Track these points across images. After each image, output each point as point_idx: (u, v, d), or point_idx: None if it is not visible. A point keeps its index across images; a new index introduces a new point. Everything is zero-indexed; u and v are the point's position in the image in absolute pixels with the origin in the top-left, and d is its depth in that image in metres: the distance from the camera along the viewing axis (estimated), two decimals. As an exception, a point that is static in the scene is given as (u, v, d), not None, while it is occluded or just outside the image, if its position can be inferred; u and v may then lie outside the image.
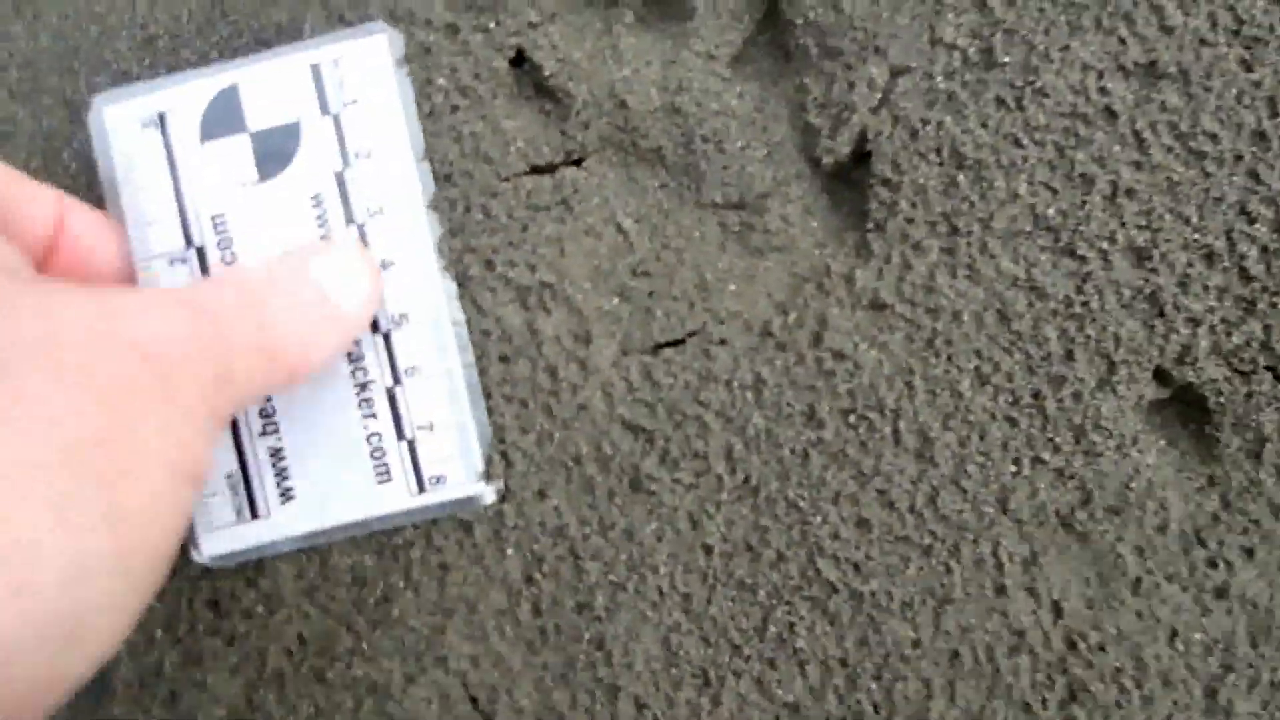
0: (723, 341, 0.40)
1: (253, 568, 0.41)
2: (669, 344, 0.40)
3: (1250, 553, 0.38)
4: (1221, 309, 0.38)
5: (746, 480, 0.39)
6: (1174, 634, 0.38)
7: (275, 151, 0.40)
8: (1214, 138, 0.37)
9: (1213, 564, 0.38)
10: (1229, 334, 0.38)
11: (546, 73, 0.40)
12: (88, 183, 0.43)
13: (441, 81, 0.40)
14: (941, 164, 0.39)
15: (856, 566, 0.39)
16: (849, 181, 0.41)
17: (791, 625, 0.39)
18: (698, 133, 0.40)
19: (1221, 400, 0.38)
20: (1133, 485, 0.38)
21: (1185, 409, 0.39)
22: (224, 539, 0.40)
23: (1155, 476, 0.38)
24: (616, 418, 0.40)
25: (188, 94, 0.40)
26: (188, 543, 0.40)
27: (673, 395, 0.40)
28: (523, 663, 0.40)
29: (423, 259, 0.40)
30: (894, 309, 0.39)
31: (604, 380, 0.40)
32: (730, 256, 0.41)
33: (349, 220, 0.40)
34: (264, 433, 0.40)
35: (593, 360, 0.40)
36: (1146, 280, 0.38)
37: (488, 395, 0.40)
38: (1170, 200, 0.38)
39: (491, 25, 0.40)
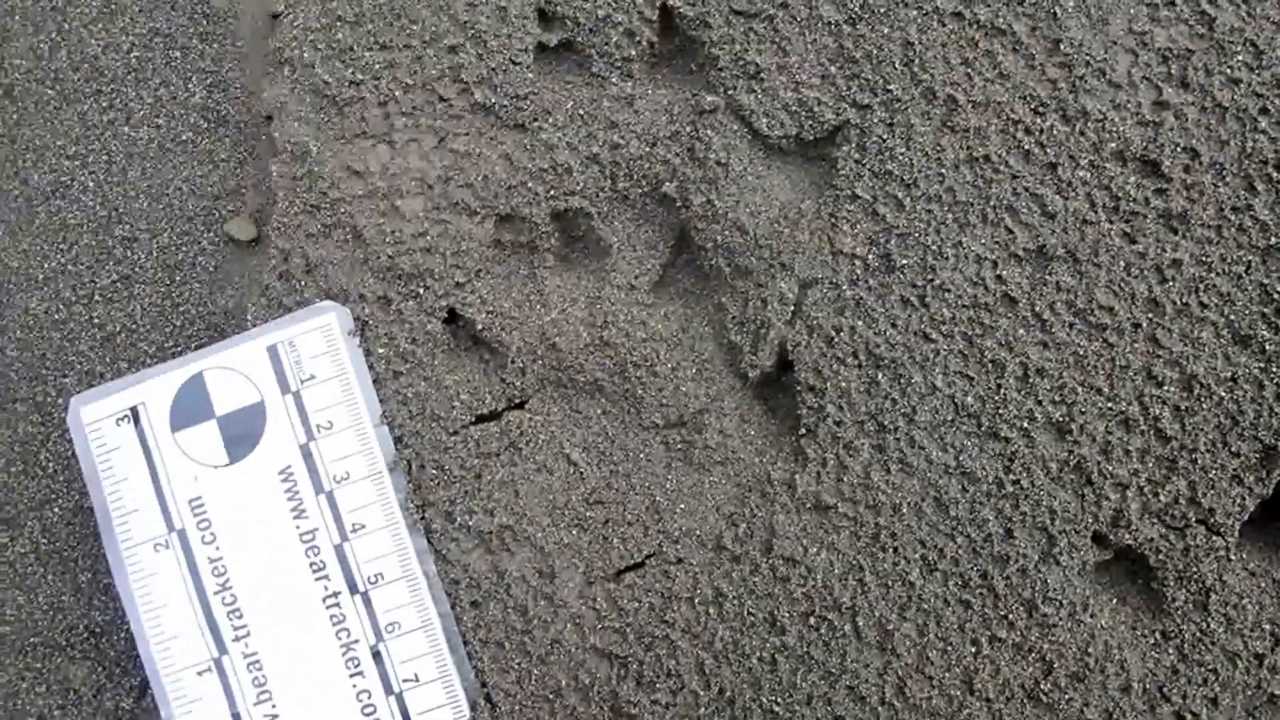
0: (679, 560, 0.41)
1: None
2: (630, 568, 0.42)
3: (1214, 702, 0.39)
4: (1145, 470, 0.39)
5: (721, 692, 0.41)
6: (1155, 789, 0.39)
7: (242, 433, 0.42)
8: (1111, 310, 0.39)
9: (1180, 718, 0.39)
10: (1156, 494, 0.39)
11: (479, 326, 0.43)
12: (66, 481, 0.46)
13: (381, 350, 0.43)
14: (860, 366, 0.41)
15: (839, 762, 0.40)
16: (779, 387, 0.43)
17: (785, 828, 0.40)
18: (629, 360, 0.43)
19: (1161, 557, 0.39)
20: (1090, 650, 0.39)
21: (1130, 567, 0.40)
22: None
23: (1111, 638, 0.39)
24: (589, 648, 0.41)
25: (156, 386, 0.43)
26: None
27: (639, 619, 0.41)
28: None
29: (390, 519, 0.42)
30: (836, 509, 0.41)
31: (573, 613, 0.41)
32: (677, 475, 0.42)
33: (318, 491, 0.42)
34: (259, 701, 0.42)
35: (559, 594, 0.42)
36: (1070, 452, 0.39)
37: (465, 641, 0.42)
38: (1080, 374, 0.40)
39: (421, 291, 0.43)
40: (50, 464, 0.46)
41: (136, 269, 0.47)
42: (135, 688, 0.45)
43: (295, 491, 0.42)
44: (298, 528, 0.42)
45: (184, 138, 0.48)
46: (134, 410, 0.43)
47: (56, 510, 0.46)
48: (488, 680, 0.42)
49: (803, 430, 0.41)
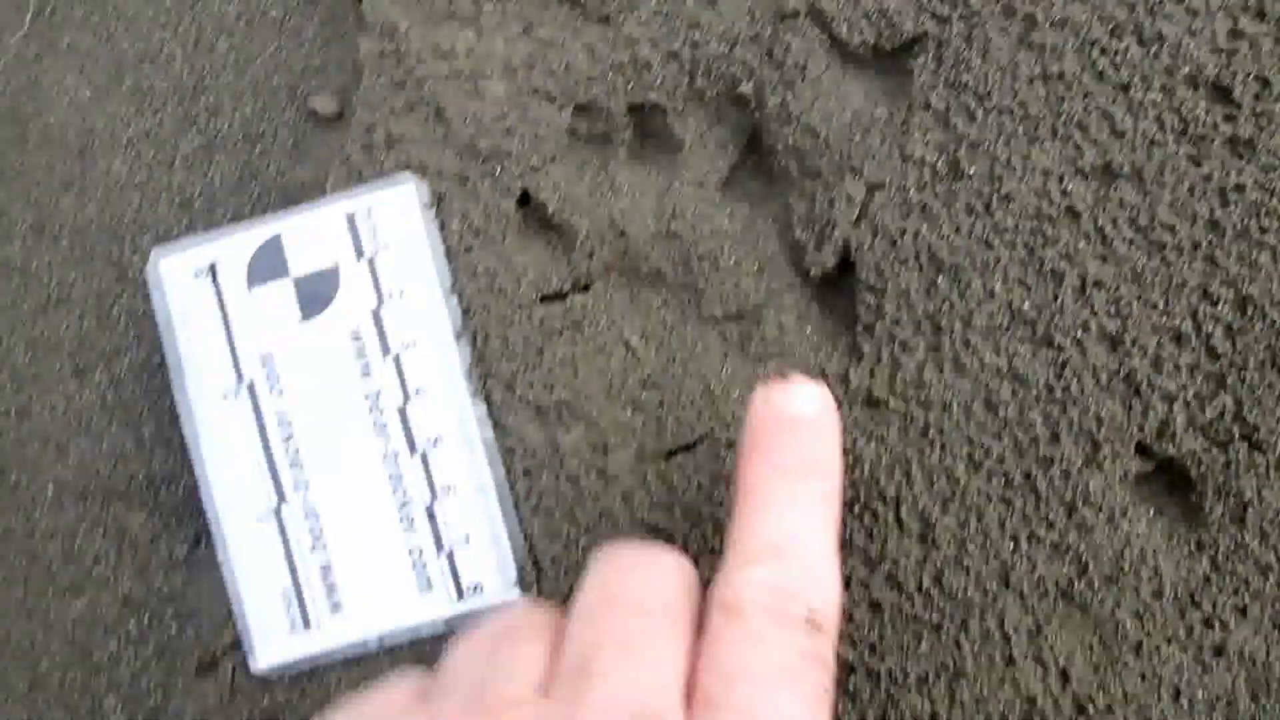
0: (730, 444, 0.43)
1: (306, 678, 0.44)
2: (681, 449, 0.43)
3: (1243, 611, 0.40)
4: (1194, 385, 0.40)
5: (763, 574, 0.42)
6: (1177, 693, 0.40)
7: (316, 294, 0.44)
8: (1171, 229, 0.41)
9: (1209, 624, 0.40)
10: (1203, 408, 0.40)
11: (550, 210, 0.44)
12: (136, 336, 0.47)
13: (455, 225, 0.44)
14: (921, 269, 0.42)
15: (872, 647, 0.41)
16: (838, 288, 0.44)
17: (815, 708, 0.42)
18: (694, 253, 0.44)
19: (1202, 470, 0.40)
20: (1126, 554, 0.41)
21: (1170, 479, 0.41)
22: (279, 650, 0.43)
23: (1146, 545, 0.41)
24: (637, 521, 0.43)
25: (235, 245, 0.44)
26: (246, 654, 0.43)
27: (687, 497, 0.43)
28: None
29: (454, 385, 0.43)
30: (888, 404, 0.42)
31: (623, 487, 0.43)
32: (732, 365, 0.44)
33: (385, 352, 0.43)
34: (313, 549, 0.43)
35: (611, 469, 0.43)
36: (1121, 364, 0.41)
37: (517, 507, 0.43)
38: (1136, 289, 0.41)
39: (497, 171, 0.44)
40: (122, 319, 0.48)
41: (218, 138, 0.49)
42: (191, 537, 0.46)
43: (363, 353, 0.44)
44: (363, 388, 0.43)
45: (272, 14, 0.49)
46: (212, 266, 0.44)
47: (125, 364, 0.48)
48: (536, 546, 0.43)
49: (860, 328, 0.42)
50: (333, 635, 0.43)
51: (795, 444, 0.36)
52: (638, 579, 0.35)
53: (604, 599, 0.34)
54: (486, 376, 0.43)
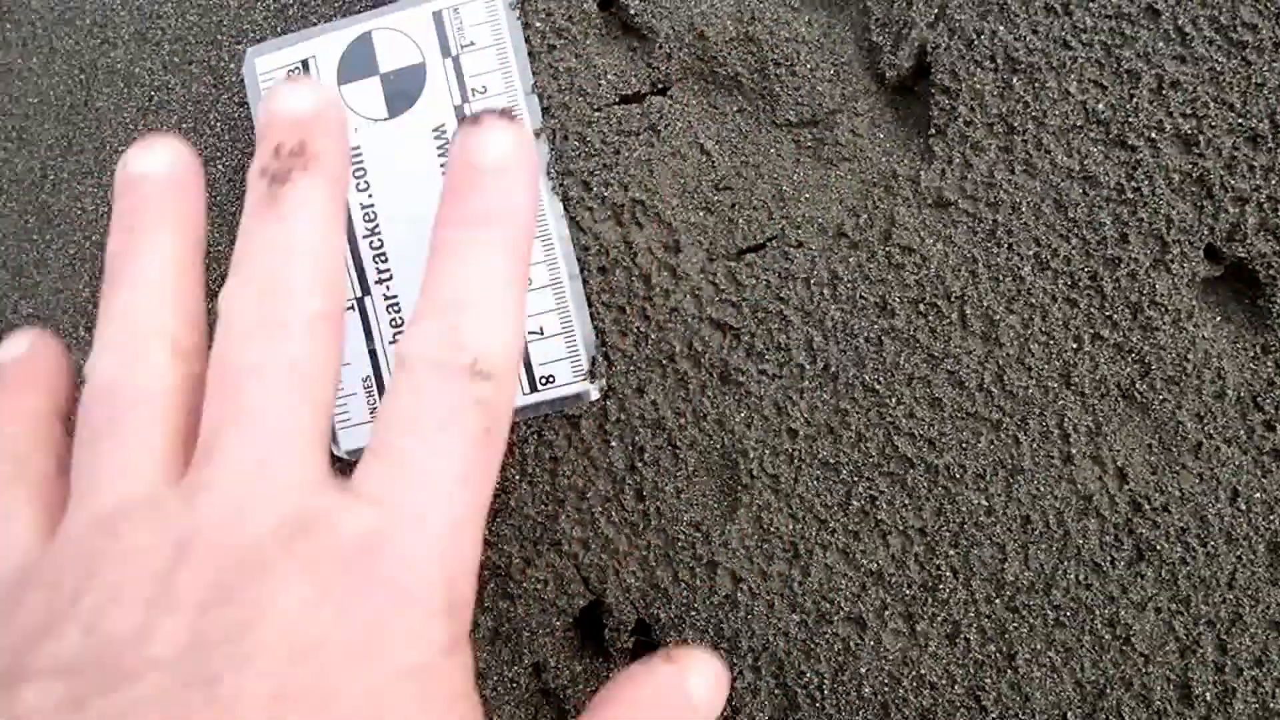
0: (799, 244, 0.44)
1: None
2: (751, 249, 0.44)
3: (1306, 415, 0.40)
4: (1268, 188, 0.40)
5: (826, 368, 0.43)
6: (1235, 494, 0.41)
7: (403, 91, 0.45)
8: (1253, 28, 0.40)
9: (1270, 427, 0.41)
10: (1275, 211, 0.40)
11: (632, 12, 0.45)
12: (231, 140, 0.50)
13: (539, 25, 0.45)
14: (996, 70, 0.42)
15: (931, 442, 0.42)
16: (912, 93, 0.44)
17: (873, 499, 0.43)
18: (770, 59, 0.45)
19: (1272, 273, 0.41)
20: (1189, 357, 0.41)
21: (1238, 284, 0.42)
22: (361, 435, 0.45)
23: (1211, 348, 0.41)
24: (705, 318, 0.44)
25: (327, 43, 0.46)
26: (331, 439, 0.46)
27: (756, 295, 0.44)
28: (629, 544, 0.44)
29: None
30: (957, 205, 0.42)
31: (693, 285, 0.44)
32: (804, 169, 0.45)
33: None
34: (395, 340, 0.45)
35: (682, 267, 0.44)
36: (1194, 165, 0.41)
37: (590, 302, 0.45)
38: (1214, 89, 0.41)
39: (581, -28, 0.45)
40: (218, 124, 0.50)
41: (311, -50, 0.50)
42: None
43: (446, 149, 0.45)
44: (446, 182, 0.45)
45: None
46: (305, 63, 0.46)
47: (220, 167, 0.50)
48: (607, 340, 0.44)
49: (932, 130, 0.43)
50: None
51: (480, 192, 0.35)
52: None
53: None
54: (564, 174, 0.45)
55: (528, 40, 0.45)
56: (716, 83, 0.45)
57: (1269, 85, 0.40)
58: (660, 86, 0.45)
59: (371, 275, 0.46)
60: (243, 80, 0.49)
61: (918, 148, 0.44)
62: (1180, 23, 0.41)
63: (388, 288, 0.45)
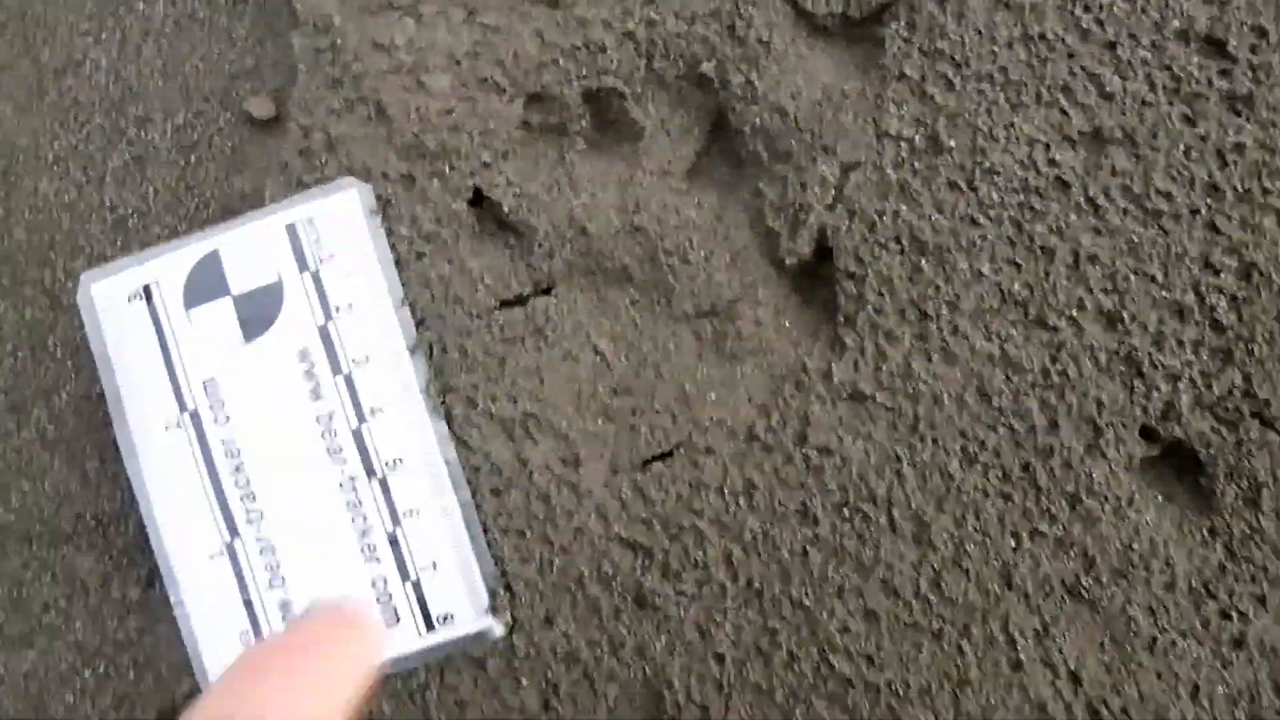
0: (709, 450, 0.40)
1: None
2: (657, 458, 0.41)
3: (1262, 600, 0.38)
4: (1199, 362, 0.38)
5: (749, 584, 0.39)
6: (1196, 690, 0.38)
7: (259, 313, 0.41)
8: (1168, 196, 0.38)
9: (1226, 615, 0.38)
10: (1209, 386, 0.38)
11: (506, 209, 0.41)
12: (74, 367, 0.45)
13: (404, 230, 0.41)
14: (903, 252, 0.39)
15: (870, 658, 0.39)
16: (816, 277, 0.41)
17: (814, 726, 0.39)
18: (661, 248, 0.41)
19: (1212, 451, 0.38)
20: (1135, 545, 0.38)
21: (1178, 463, 0.39)
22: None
23: (1156, 534, 0.38)
24: (614, 537, 0.40)
25: (170, 264, 0.41)
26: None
27: (666, 508, 0.40)
28: (552, 792, 0.40)
29: (411, 403, 0.40)
30: (874, 399, 0.39)
31: (597, 501, 0.40)
32: (707, 365, 0.41)
33: (336, 372, 0.41)
34: (270, 586, 0.41)
35: (584, 483, 0.40)
36: (1120, 342, 0.38)
37: (485, 529, 0.40)
38: (1133, 261, 0.38)
39: (446, 170, 0.41)
40: (58, 349, 0.45)
41: (150, 150, 0.46)
42: (143, 577, 0.44)
43: (312, 373, 0.41)
44: (314, 410, 0.41)
45: (200, 14, 0.46)
46: (146, 288, 0.41)
47: (64, 397, 0.45)
48: (508, 569, 0.40)
49: (841, 318, 0.40)
50: (299, 673, 0.41)
51: None
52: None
53: None
54: (446, 391, 0.41)
55: (394, 248, 0.41)
56: (605, 276, 0.42)
57: (1190, 254, 0.38)
58: (543, 286, 0.42)
59: (240, 517, 0.41)
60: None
61: (827, 337, 0.40)
62: (1091, 193, 0.38)
63: (258, 529, 0.41)
